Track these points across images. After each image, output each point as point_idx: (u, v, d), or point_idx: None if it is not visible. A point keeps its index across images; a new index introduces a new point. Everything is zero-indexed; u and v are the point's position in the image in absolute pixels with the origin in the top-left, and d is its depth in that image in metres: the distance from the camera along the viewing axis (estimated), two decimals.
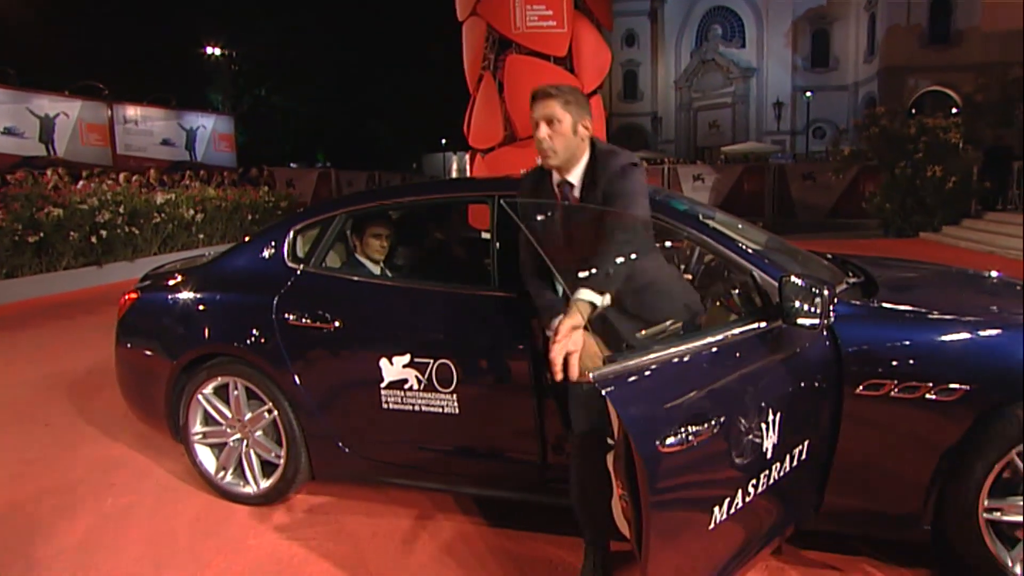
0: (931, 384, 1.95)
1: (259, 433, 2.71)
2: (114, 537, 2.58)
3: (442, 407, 2.37)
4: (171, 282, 2.97)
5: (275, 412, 2.63)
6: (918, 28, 33.55)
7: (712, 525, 1.67)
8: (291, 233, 2.72)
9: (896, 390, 1.98)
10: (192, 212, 10.53)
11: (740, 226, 2.66)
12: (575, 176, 2.07)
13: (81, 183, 10.98)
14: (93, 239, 8.77)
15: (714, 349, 1.77)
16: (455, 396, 2.34)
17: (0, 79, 18.51)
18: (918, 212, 12.47)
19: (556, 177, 2.10)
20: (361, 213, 2.80)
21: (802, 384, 1.98)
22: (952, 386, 1.94)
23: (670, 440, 1.55)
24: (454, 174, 43.84)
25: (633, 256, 1.93)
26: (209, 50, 30.22)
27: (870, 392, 2.00)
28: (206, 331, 2.73)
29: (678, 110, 46.14)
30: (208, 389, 2.74)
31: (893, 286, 2.51)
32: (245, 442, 2.73)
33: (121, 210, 9.16)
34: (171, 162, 21.64)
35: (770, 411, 1.81)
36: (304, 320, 2.54)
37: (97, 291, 8.47)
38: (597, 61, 7.58)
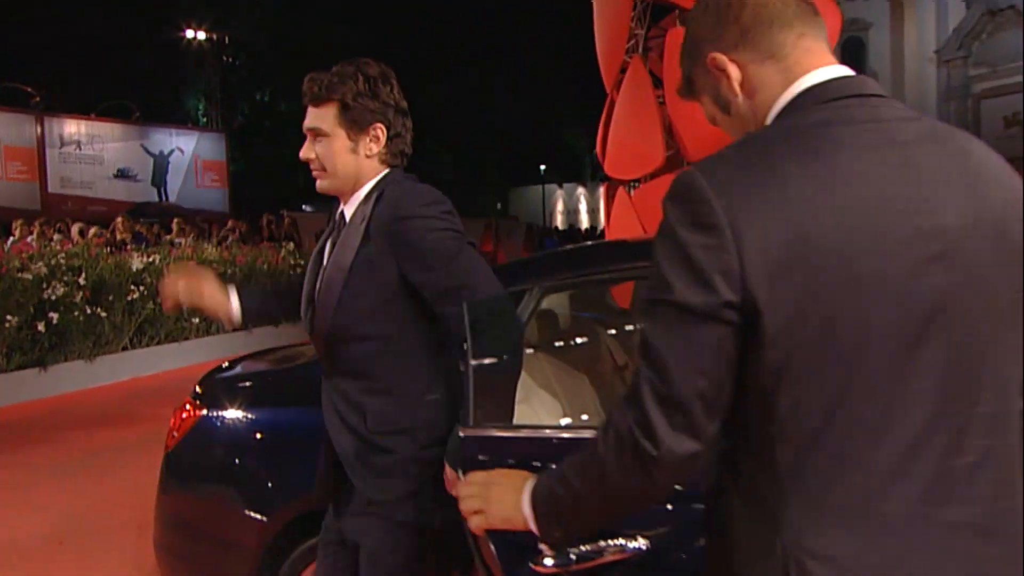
0: None
1: None
2: None
3: None
4: (252, 391, 3.09)
5: None
6: None
7: None
8: None
9: None
10: None
11: None
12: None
13: (11, 240, 11.84)
14: (40, 326, 9.36)
15: None
16: None
17: None
18: None
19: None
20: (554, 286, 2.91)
21: None
22: None
23: None
24: (559, 217, 44.47)
25: None
26: (189, 34, 32.14)
27: None
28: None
29: (944, 96, 45.31)
30: None
31: None
32: None
33: (82, 280, 9.79)
34: (130, 204, 22.98)
35: None
36: None
37: (40, 407, 8.97)
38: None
